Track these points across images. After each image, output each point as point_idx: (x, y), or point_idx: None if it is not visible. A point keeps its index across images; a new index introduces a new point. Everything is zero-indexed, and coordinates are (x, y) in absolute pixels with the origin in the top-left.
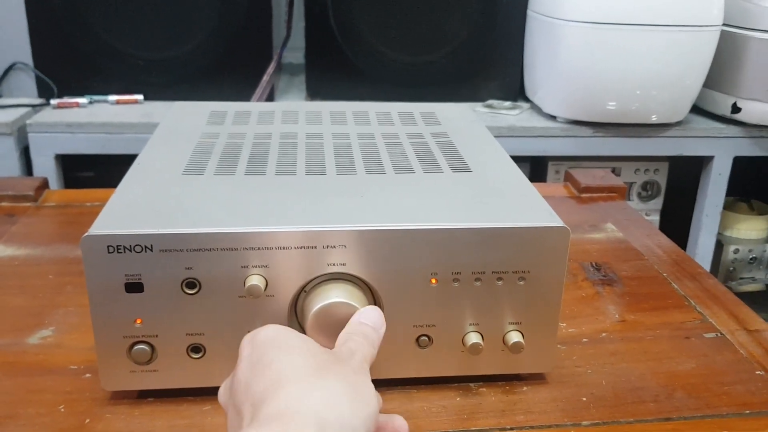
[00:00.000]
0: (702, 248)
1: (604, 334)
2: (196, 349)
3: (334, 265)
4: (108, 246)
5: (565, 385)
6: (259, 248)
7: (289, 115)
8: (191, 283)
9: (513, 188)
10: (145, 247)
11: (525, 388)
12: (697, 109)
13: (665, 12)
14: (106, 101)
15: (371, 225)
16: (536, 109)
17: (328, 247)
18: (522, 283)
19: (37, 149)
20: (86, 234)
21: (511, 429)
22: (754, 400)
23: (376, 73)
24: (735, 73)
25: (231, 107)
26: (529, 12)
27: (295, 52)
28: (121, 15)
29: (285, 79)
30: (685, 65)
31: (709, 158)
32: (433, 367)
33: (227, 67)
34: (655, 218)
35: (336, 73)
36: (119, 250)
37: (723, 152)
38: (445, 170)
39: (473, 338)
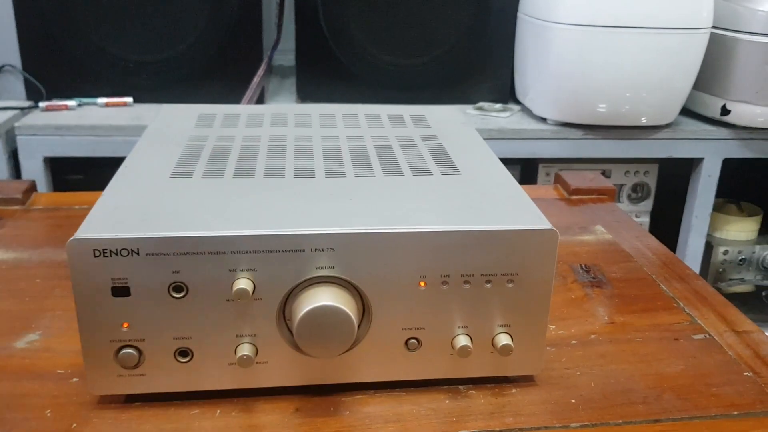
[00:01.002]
0: (692, 250)
1: (593, 336)
2: (183, 353)
3: (322, 268)
4: (94, 250)
5: (554, 387)
6: (246, 252)
7: (278, 118)
8: (178, 287)
9: (502, 191)
10: (132, 251)
11: (514, 390)
12: (686, 111)
13: (655, 15)
14: (95, 104)
15: (360, 228)
16: (527, 111)
17: (316, 250)
18: (511, 285)
19: (25, 152)
20: (72, 238)
21: (500, 431)
22: (742, 401)
23: (367, 75)
24: (724, 75)
25: (220, 110)
26: (519, 15)
27: (286, 55)
28: (111, 17)
29: (275, 81)
30: (674, 68)
31: (699, 160)
32: (421, 369)
33: (217, 70)
34: (645, 220)
35: (327, 75)
36: (105, 254)
37: (712, 154)
38: (434, 173)
39: (462, 341)
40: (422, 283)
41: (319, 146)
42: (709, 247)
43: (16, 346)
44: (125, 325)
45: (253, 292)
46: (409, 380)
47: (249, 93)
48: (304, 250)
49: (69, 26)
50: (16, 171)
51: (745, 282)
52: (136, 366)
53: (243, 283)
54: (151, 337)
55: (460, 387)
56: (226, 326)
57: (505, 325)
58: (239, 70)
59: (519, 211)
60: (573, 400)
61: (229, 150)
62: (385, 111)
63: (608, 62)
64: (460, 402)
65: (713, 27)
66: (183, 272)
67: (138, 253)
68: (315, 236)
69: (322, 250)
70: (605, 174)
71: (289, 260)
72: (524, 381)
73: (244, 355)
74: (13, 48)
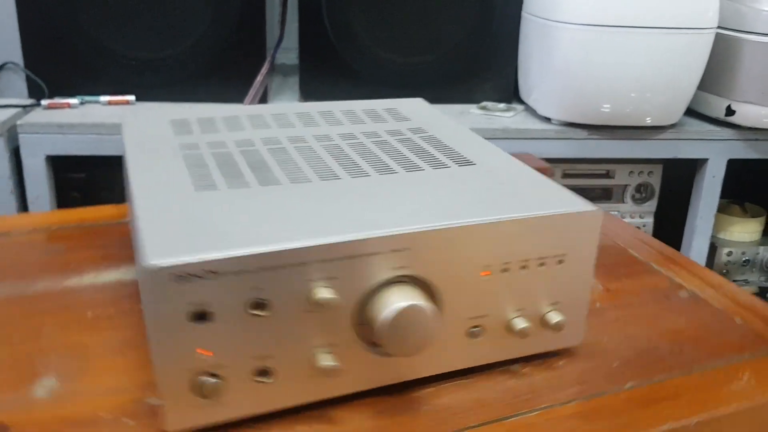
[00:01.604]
0: (696, 251)
1: (598, 305)
2: (264, 372)
3: (397, 268)
4: (173, 275)
5: (593, 355)
6: (325, 260)
7: (257, 119)
8: (259, 305)
9: (525, 178)
10: (212, 272)
11: (562, 363)
12: (691, 112)
13: (660, 14)
14: (97, 102)
15: (431, 225)
16: (530, 111)
17: (394, 251)
18: (560, 265)
19: (27, 150)
20: (148, 264)
21: (572, 401)
22: (750, 343)
23: (370, 74)
24: (729, 75)
25: (190, 114)
26: (523, 14)
27: (288, 53)
28: (113, 15)
29: (278, 80)
30: (679, 68)
31: (703, 161)
32: (483, 355)
33: (220, 68)
34: (649, 220)
35: (330, 74)
36: (185, 279)
37: (717, 155)
38: (450, 165)
39: (520, 323)
40: (486, 272)
41: (318, 147)
42: (712, 248)
43: (36, 395)
44: (205, 351)
45: (333, 300)
46: (464, 368)
47: (252, 91)
48: (380, 253)
49: (72, 24)
50: (18, 169)
51: (749, 283)
52: (216, 394)
53: (323, 293)
54: (233, 360)
55: (514, 366)
56: (306, 338)
57: (555, 303)
58: (242, 68)
59: (558, 195)
60: (615, 364)
61: (231, 156)
62: (356, 106)
63: (613, 62)
64: (523, 380)
65: (719, 27)
66: (264, 289)
67: (218, 274)
68: (391, 238)
69: (399, 251)
70: (609, 174)
71: (367, 264)
72: (566, 354)
73: (328, 365)
74: (15, 45)
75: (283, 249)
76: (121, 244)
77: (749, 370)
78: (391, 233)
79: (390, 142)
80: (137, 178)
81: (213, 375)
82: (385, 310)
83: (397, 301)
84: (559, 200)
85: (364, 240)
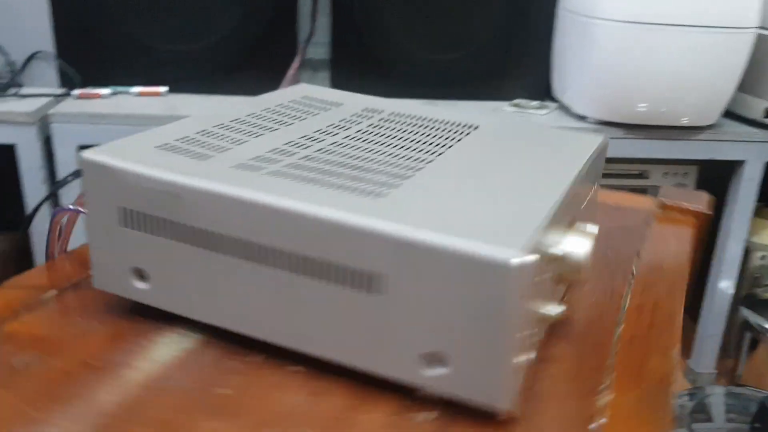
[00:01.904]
0: (730, 254)
1: None
2: (531, 336)
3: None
4: (530, 263)
5: (607, 267)
6: (555, 220)
7: (241, 127)
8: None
9: (528, 128)
10: (545, 249)
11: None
12: (729, 113)
13: (701, 12)
14: (128, 93)
15: (575, 170)
16: (564, 109)
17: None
18: (595, 185)
19: (59, 140)
20: (515, 259)
21: (633, 279)
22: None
23: (401, 69)
24: None
25: (166, 135)
26: (560, 10)
27: (318, 48)
28: (146, 6)
29: (308, 74)
30: (719, 67)
31: (740, 163)
32: None
33: (252, 62)
34: None
35: (361, 69)
36: (536, 263)
37: (754, 157)
38: (469, 131)
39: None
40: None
41: (342, 140)
42: (746, 252)
43: None
44: (534, 338)
45: (569, 255)
46: None
47: (284, 85)
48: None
49: (104, 14)
50: (49, 158)
51: None
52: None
53: (565, 247)
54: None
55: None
56: (550, 294)
57: (591, 220)
58: (274, 62)
59: (573, 132)
60: (611, 255)
61: (312, 166)
62: (279, 99)
63: (651, 60)
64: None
65: (760, 27)
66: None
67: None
68: (571, 187)
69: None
70: (644, 174)
71: (561, 215)
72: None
73: (560, 312)
74: (47, 35)
75: (552, 212)
76: (103, 316)
77: (667, 234)
78: (569, 184)
79: (379, 124)
80: (291, 206)
81: (532, 350)
82: (583, 249)
83: (582, 239)
84: (586, 135)
85: (569, 191)
